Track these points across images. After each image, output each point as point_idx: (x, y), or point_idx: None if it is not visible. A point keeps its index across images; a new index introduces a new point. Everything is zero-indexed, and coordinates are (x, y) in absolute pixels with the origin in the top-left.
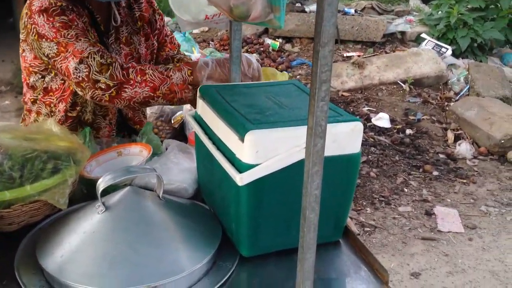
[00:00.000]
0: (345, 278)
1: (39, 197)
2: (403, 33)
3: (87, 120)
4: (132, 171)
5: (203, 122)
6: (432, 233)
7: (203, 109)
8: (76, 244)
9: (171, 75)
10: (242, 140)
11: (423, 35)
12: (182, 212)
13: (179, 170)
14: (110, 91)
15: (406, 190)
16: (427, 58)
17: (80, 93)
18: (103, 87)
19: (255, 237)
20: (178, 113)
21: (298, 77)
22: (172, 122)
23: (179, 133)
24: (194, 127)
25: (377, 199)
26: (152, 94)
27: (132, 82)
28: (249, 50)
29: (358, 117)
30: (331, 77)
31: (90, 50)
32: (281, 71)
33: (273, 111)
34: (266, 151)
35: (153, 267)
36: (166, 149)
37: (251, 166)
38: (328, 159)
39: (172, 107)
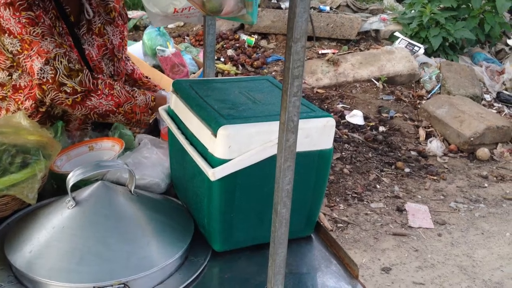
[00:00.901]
0: (316, 273)
1: (7, 192)
2: (377, 31)
3: (57, 114)
4: (103, 166)
5: (176, 117)
6: (403, 229)
7: (176, 103)
8: (45, 240)
9: (136, 96)
10: (215, 135)
11: (397, 34)
12: (154, 207)
13: (152, 165)
14: (75, 96)
15: (378, 186)
16: (400, 57)
17: (38, 94)
18: (68, 91)
19: (227, 232)
20: None
21: (273, 73)
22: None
23: (153, 128)
24: (167, 122)
25: (350, 195)
26: (115, 109)
27: (99, 92)
28: (224, 45)
29: (332, 114)
30: (303, 72)
31: (56, 51)
32: (256, 67)
33: (246, 106)
34: (239, 146)
35: (124, 263)
36: (139, 144)
37: (223, 161)
38: (300, 155)
39: None
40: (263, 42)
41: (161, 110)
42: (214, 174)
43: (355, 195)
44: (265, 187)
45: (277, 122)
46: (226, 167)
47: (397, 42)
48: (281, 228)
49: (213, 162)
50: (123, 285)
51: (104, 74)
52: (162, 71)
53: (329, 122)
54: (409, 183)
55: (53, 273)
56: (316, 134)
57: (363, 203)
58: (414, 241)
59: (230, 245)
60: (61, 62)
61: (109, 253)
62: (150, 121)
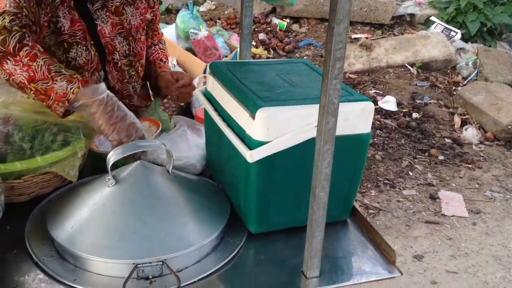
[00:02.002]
0: (352, 257)
1: (49, 169)
2: (412, 15)
3: None
4: (142, 146)
5: (213, 99)
6: (436, 217)
7: (213, 86)
8: (86, 216)
9: (56, 80)
10: (253, 117)
11: (433, 18)
12: (191, 187)
13: (188, 146)
14: None
15: (411, 173)
16: (436, 42)
17: None
18: None
19: (264, 214)
20: None
21: (305, 58)
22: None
23: (186, 110)
24: (203, 104)
25: (382, 181)
26: (26, 84)
27: (18, 58)
28: (256, 29)
29: None
30: (345, 54)
31: (6, 9)
32: (288, 51)
33: (283, 89)
34: (277, 128)
35: (162, 241)
36: (175, 125)
37: (261, 143)
38: (339, 138)
39: None
40: (295, 26)
41: (198, 92)
42: (252, 156)
43: (387, 181)
44: (302, 170)
45: (315, 105)
46: (263, 149)
47: (433, 27)
48: (318, 211)
49: (251, 144)
50: (161, 263)
51: (117, 53)
52: (195, 54)
53: (368, 106)
54: (443, 170)
55: (94, 249)
56: (355, 118)
57: (395, 190)
58: (447, 230)
59: (266, 227)
60: (3, 18)
61: (148, 231)
62: (183, 105)
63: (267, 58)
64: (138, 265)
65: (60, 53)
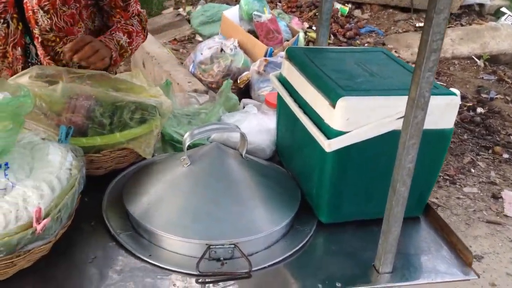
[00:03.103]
0: (425, 255)
1: (126, 145)
2: (481, 5)
3: None
4: (218, 128)
5: (288, 84)
6: (498, 217)
7: (289, 71)
8: (161, 194)
9: None
10: (333, 106)
11: (503, 9)
12: (263, 172)
13: (258, 130)
14: None
15: (473, 170)
16: (506, 34)
17: None
18: None
19: (336, 204)
20: (245, 73)
21: (366, 45)
22: (238, 82)
23: (245, 92)
24: (278, 89)
25: (441, 177)
26: None
27: None
28: (317, 14)
29: None
30: (441, 46)
31: None
32: (349, 38)
33: (364, 78)
34: (357, 118)
35: (234, 224)
36: (243, 107)
37: (340, 133)
38: (422, 133)
39: (239, 66)
40: (357, 12)
41: (272, 76)
42: (330, 145)
43: (447, 177)
44: (379, 163)
45: (397, 97)
46: (342, 139)
47: (503, 18)
48: (397, 207)
49: (329, 133)
50: (233, 246)
51: (37, 27)
52: (257, 37)
53: (453, 101)
54: (507, 169)
55: (169, 227)
56: (439, 112)
57: (455, 186)
58: (509, 231)
59: (337, 217)
60: None
61: (221, 213)
62: (242, 86)
63: (328, 44)
64: (211, 246)
65: None
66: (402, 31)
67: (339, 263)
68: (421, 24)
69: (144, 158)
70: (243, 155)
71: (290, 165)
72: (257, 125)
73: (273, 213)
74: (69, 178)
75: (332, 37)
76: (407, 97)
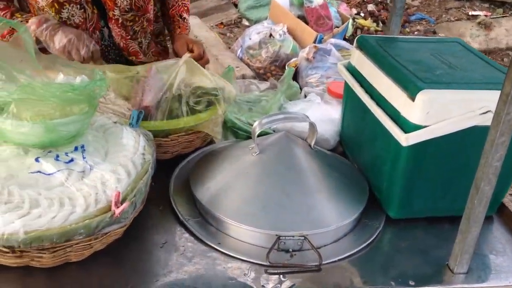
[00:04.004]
0: (500, 256)
1: (196, 128)
2: None
3: None
4: (289, 118)
5: (358, 74)
6: None
7: (360, 60)
8: (230, 181)
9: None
10: (413, 99)
11: None
12: (331, 164)
13: (321, 120)
14: None
15: None
16: None
17: None
18: None
19: (407, 199)
20: (293, 59)
21: (416, 33)
22: (286, 68)
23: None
24: (346, 78)
25: None
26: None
27: None
28: (365, 0)
29: None
30: None
31: None
32: None
33: (443, 70)
34: (437, 113)
35: (304, 216)
36: (305, 96)
37: (418, 127)
38: None
39: (288, 52)
40: None
41: (340, 65)
42: (407, 139)
43: None
44: (456, 159)
45: (481, 91)
46: (421, 134)
47: None
48: (479, 206)
49: (406, 126)
50: (303, 238)
51: (117, 8)
52: (306, 23)
53: None
54: None
55: (238, 216)
56: None
57: None
58: None
59: (407, 213)
60: None
61: (291, 204)
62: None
63: (376, 31)
64: (281, 237)
65: (53, 15)
66: (454, 19)
67: (410, 260)
68: (474, 13)
69: (208, 145)
70: (312, 146)
71: (357, 157)
72: (321, 115)
73: (342, 206)
74: (142, 163)
75: (381, 24)
76: (491, 91)
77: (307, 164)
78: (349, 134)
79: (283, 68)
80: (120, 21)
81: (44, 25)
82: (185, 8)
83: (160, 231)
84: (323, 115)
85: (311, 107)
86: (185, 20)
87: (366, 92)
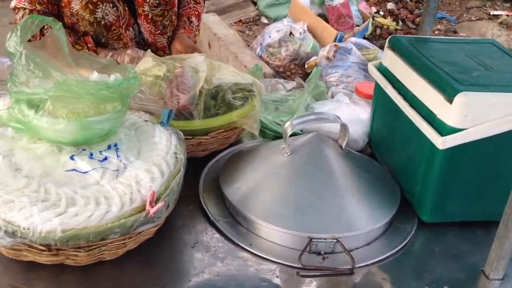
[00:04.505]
0: None
1: (235, 124)
2: None
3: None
4: (321, 118)
5: (389, 75)
6: None
7: (393, 61)
8: (260, 182)
9: None
10: (450, 102)
11: None
12: (362, 166)
13: (350, 121)
14: None
15: None
16: None
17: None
18: None
19: (441, 203)
20: (313, 58)
21: (436, 32)
22: (306, 66)
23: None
24: (378, 79)
25: None
26: None
27: None
28: None
29: None
30: None
31: (21, 5)
32: (418, 24)
33: (479, 72)
34: (475, 115)
35: (336, 218)
36: (332, 96)
37: (456, 130)
38: None
39: (308, 51)
40: None
41: (371, 66)
42: (444, 142)
43: None
44: (493, 162)
45: None
46: (458, 137)
47: None
48: None
49: (443, 129)
50: (335, 240)
51: (147, 4)
52: (327, 21)
53: None
54: None
55: (270, 217)
56: None
57: None
58: None
59: (440, 217)
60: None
61: (323, 206)
62: (309, 71)
63: (395, 30)
64: (313, 240)
65: (88, 16)
66: (475, 18)
67: (444, 265)
68: (496, 12)
69: (235, 144)
70: (343, 147)
71: (387, 159)
72: (349, 115)
73: (374, 209)
74: (175, 162)
75: (401, 23)
76: None
77: (339, 166)
78: (379, 136)
79: (302, 66)
80: (149, 16)
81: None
82: (196, 12)
83: (191, 230)
84: (352, 116)
85: (340, 107)
86: (192, 24)
87: (399, 93)
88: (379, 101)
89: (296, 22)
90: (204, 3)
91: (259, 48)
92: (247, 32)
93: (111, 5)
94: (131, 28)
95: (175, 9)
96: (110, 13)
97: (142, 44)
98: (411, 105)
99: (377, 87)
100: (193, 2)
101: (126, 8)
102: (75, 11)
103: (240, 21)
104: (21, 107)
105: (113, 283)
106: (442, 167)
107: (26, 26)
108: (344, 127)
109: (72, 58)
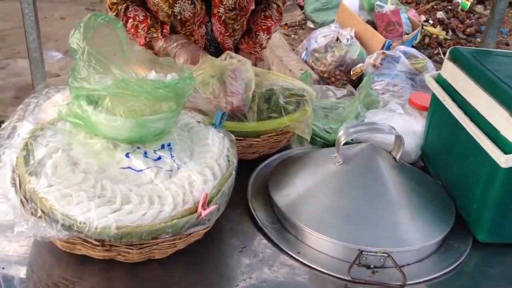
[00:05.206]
0: None
1: (286, 129)
2: None
3: None
4: (376, 129)
5: (449, 87)
6: None
7: (453, 73)
8: (311, 190)
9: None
10: None
11: None
12: (416, 180)
13: (403, 132)
14: None
15: None
16: None
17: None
18: None
19: (499, 223)
20: (359, 65)
21: None
22: (351, 73)
23: (355, 85)
24: (437, 92)
25: None
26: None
27: (127, 29)
28: (435, 6)
29: None
30: None
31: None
32: (468, 35)
33: None
34: None
35: (389, 232)
36: (383, 105)
37: None
38: None
39: (354, 58)
40: (479, 8)
41: (429, 77)
42: (507, 161)
43: None
44: None
45: None
46: None
47: None
48: None
49: (506, 147)
50: (386, 255)
51: (222, 6)
52: (375, 28)
53: None
54: None
55: (320, 226)
56: None
57: None
58: None
59: (497, 237)
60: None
61: (374, 218)
62: (354, 78)
63: (445, 40)
64: (363, 252)
65: (166, 8)
66: None
67: None
68: None
69: (284, 150)
70: (397, 159)
71: (442, 174)
72: (402, 126)
73: (428, 225)
74: (227, 166)
75: (451, 33)
76: None
77: (392, 178)
78: (434, 149)
79: (348, 73)
80: (222, 18)
81: (170, 43)
82: (264, 27)
83: (239, 235)
84: (405, 127)
85: (392, 117)
86: (258, 37)
87: (459, 107)
88: (436, 113)
89: (343, 27)
90: (280, 15)
91: (304, 52)
92: (292, 36)
93: (189, 1)
94: (204, 26)
95: (248, 15)
96: (187, 9)
97: (213, 42)
98: (472, 120)
99: (434, 99)
100: (262, 16)
101: (204, 7)
102: (156, 1)
103: (286, 24)
104: (80, 103)
105: (160, 282)
106: (503, 186)
107: (89, 24)
108: (399, 138)
109: (130, 56)
